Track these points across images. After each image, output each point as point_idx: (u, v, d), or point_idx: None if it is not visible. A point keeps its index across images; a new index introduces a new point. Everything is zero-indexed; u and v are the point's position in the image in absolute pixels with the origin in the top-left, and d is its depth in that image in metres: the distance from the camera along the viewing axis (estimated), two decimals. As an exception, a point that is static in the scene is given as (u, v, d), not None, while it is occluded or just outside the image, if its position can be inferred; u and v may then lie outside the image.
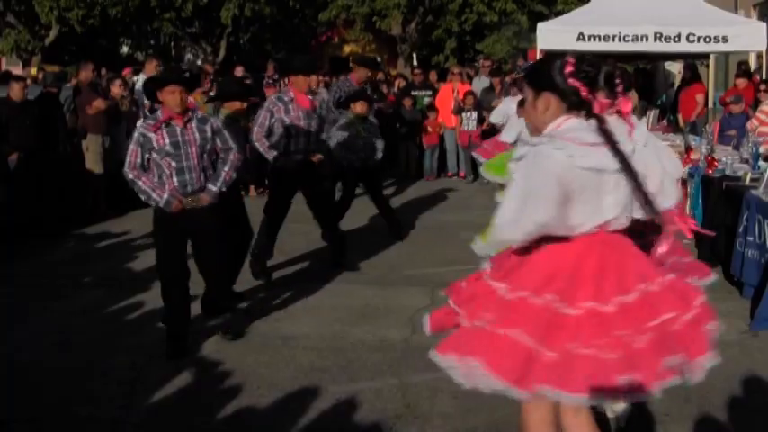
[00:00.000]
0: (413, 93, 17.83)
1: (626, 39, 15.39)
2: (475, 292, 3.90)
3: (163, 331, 7.30)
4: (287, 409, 5.69)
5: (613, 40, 15.45)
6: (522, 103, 11.15)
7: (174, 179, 6.65)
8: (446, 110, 16.96)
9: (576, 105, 3.74)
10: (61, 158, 12.00)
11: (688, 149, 11.03)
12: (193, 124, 6.72)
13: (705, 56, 17.30)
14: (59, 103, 12.55)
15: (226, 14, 28.53)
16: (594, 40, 15.53)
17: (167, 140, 6.58)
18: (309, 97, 9.27)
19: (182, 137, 6.64)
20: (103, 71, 16.62)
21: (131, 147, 6.64)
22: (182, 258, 6.84)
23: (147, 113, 14.06)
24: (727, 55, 18.34)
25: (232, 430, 5.47)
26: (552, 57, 3.88)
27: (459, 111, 16.57)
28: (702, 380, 5.90)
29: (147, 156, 6.61)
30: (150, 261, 9.74)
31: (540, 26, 16.40)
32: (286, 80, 9.53)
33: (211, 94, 14.51)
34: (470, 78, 18.67)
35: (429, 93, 18.05)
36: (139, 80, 14.85)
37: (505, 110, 12.18)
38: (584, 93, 3.72)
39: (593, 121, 3.71)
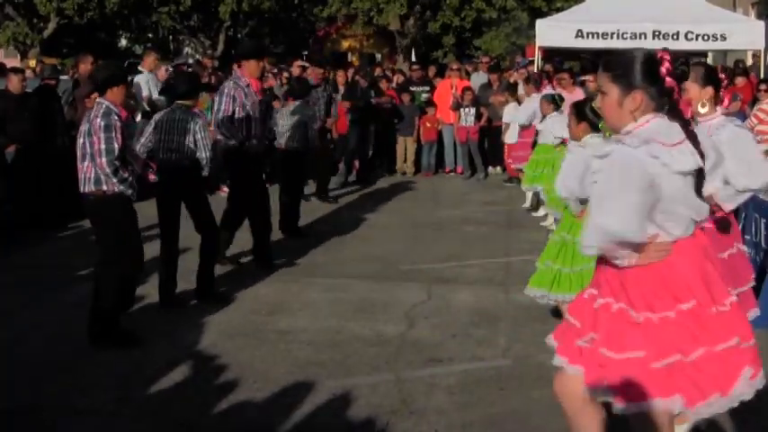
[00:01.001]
0: (411, 88, 17.82)
1: (624, 36, 15.42)
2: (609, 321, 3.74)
3: (158, 324, 7.34)
4: (283, 404, 5.70)
5: (612, 37, 15.48)
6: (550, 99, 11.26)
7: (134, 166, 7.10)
8: (444, 106, 16.95)
9: (664, 106, 3.61)
10: (59, 151, 11.97)
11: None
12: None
13: (703, 54, 17.30)
14: (58, 96, 12.53)
15: (224, 9, 28.53)
16: (593, 37, 15.58)
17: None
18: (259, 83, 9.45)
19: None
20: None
21: (113, 135, 6.68)
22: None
23: (146, 107, 14.08)
24: (725, 53, 18.36)
25: (228, 424, 5.47)
26: (641, 52, 3.69)
27: (457, 107, 16.56)
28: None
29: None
30: (147, 254, 9.75)
31: (539, 23, 16.44)
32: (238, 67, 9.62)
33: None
34: (468, 74, 18.66)
35: (427, 89, 18.04)
36: (138, 74, 14.81)
37: (533, 108, 12.25)
38: (677, 93, 3.62)
39: (676, 123, 3.60)
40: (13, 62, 23.27)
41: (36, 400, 5.79)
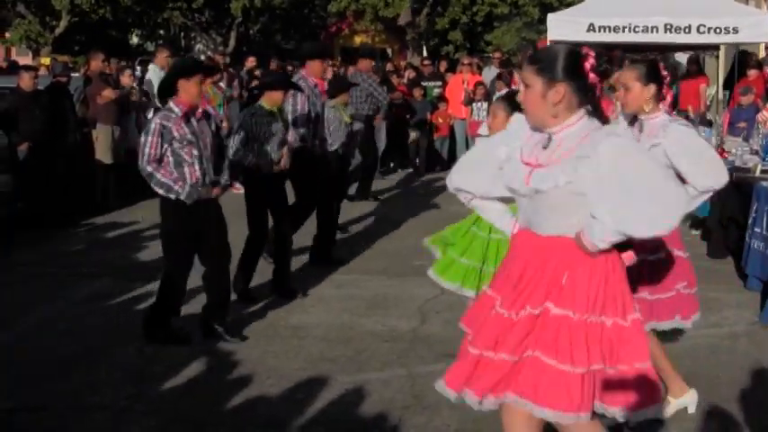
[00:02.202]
0: (423, 84, 17.79)
1: (636, 30, 15.34)
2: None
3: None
4: (296, 399, 5.70)
5: (623, 30, 15.40)
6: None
7: (197, 168, 6.65)
8: (456, 101, 16.92)
9: (588, 101, 3.61)
10: (71, 148, 12.01)
11: (697, 141, 10.99)
12: (203, 116, 6.74)
13: (715, 47, 17.24)
14: (69, 93, 12.56)
15: (236, 5, 28.53)
16: (605, 31, 15.49)
17: (187, 130, 6.57)
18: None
19: (198, 127, 6.63)
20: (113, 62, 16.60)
21: (150, 138, 6.50)
22: (194, 250, 6.84)
23: (159, 104, 14.08)
24: (737, 46, 18.26)
25: (241, 420, 5.47)
26: (565, 46, 3.70)
27: (469, 102, 16.53)
28: (711, 371, 5.92)
29: (165, 147, 6.55)
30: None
31: (551, 17, 16.36)
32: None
33: (221, 83, 14.55)
34: (480, 69, 18.62)
35: (439, 84, 18.02)
36: (150, 70, 14.84)
37: None
38: (599, 90, 3.60)
39: (596, 120, 3.61)
40: (25, 60, 23.38)
41: (46, 398, 5.79)
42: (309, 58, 9.09)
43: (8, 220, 11.00)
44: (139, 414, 5.56)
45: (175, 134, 6.50)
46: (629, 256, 3.72)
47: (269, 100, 7.93)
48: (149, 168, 6.52)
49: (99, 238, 10.89)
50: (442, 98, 17.38)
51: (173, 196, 6.56)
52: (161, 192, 6.59)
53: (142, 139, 6.59)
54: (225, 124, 14.13)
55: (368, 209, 12.57)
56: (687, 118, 14.50)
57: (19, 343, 6.92)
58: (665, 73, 5.19)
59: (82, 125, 12.58)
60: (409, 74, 19.33)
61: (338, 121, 10.64)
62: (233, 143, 7.95)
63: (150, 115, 13.68)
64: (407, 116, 16.89)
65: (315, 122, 8.93)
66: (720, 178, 5.00)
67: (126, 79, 13.40)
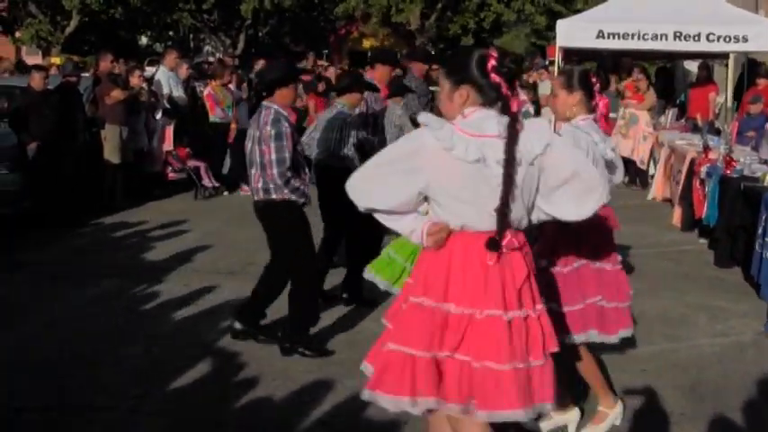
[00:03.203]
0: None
1: (645, 37, 15.33)
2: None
3: (177, 321, 7.36)
4: (302, 402, 5.71)
5: (633, 38, 15.39)
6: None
7: (305, 170, 6.63)
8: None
9: (494, 101, 3.69)
10: (79, 148, 12.04)
11: (706, 149, 11.00)
12: None
13: (725, 55, 17.19)
14: (79, 93, 12.59)
15: (246, 7, 28.56)
16: (614, 37, 15.49)
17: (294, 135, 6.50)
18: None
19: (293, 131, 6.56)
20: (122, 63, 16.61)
21: (285, 143, 6.27)
22: None
23: (167, 105, 14.10)
24: (746, 54, 18.23)
25: (246, 421, 5.48)
26: (472, 48, 3.82)
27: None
28: (718, 379, 5.92)
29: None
30: (166, 251, 9.82)
31: (560, 23, 16.35)
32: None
33: (231, 85, 14.57)
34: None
35: (447, 88, 17.99)
36: (159, 71, 14.87)
37: None
38: (504, 89, 3.66)
39: (505, 118, 3.66)
40: (35, 59, 23.43)
41: (53, 398, 5.79)
42: (380, 63, 9.05)
43: (16, 218, 11.03)
44: (146, 415, 5.56)
45: (294, 137, 6.43)
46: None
47: (350, 101, 7.87)
48: (289, 174, 6.35)
49: (106, 239, 10.90)
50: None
51: (302, 200, 6.50)
52: (293, 197, 6.44)
53: (273, 145, 6.27)
54: (233, 125, 14.17)
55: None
56: (695, 126, 14.55)
57: (26, 343, 6.92)
58: (593, 80, 5.15)
59: (91, 125, 12.61)
60: (418, 78, 19.25)
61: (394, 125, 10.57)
62: (315, 144, 7.83)
63: (159, 116, 13.72)
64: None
65: (374, 126, 8.85)
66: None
67: (135, 80, 13.43)
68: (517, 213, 3.67)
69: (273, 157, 6.26)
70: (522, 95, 7.70)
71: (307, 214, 6.70)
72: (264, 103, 6.49)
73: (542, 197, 3.75)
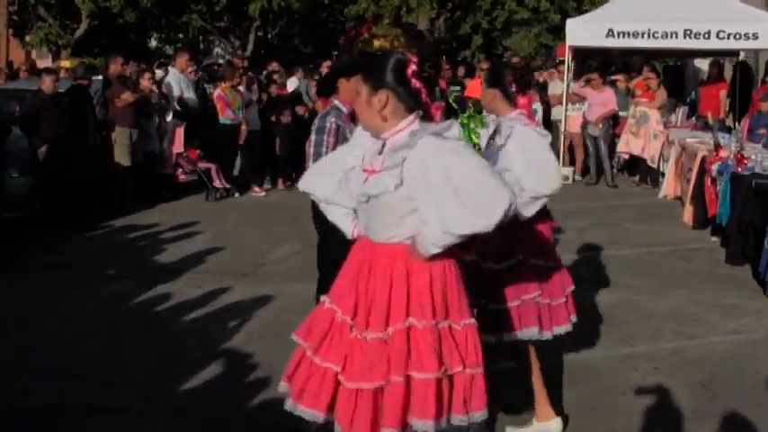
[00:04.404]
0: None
1: (655, 35, 15.33)
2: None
3: (189, 322, 7.38)
4: (313, 402, 5.69)
5: (643, 36, 15.40)
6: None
7: None
8: (474, 105, 16.91)
9: (415, 107, 3.64)
10: (90, 151, 12.07)
11: (717, 147, 10.98)
12: None
13: (735, 53, 17.19)
14: (90, 96, 12.62)
15: (254, 7, 28.58)
16: (624, 36, 15.49)
17: (354, 128, 6.36)
18: None
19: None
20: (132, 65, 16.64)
21: (326, 138, 6.12)
22: None
23: (177, 107, 14.13)
24: (756, 52, 18.20)
25: (258, 422, 5.49)
26: (390, 54, 3.74)
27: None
28: (731, 376, 5.91)
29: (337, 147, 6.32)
30: (178, 253, 9.84)
31: (570, 23, 16.36)
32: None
33: (240, 87, 14.58)
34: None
35: (458, 88, 18.03)
36: (170, 73, 14.90)
37: None
38: (424, 95, 3.63)
39: (429, 124, 3.63)
40: (45, 63, 23.48)
41: (65, 399, 5.82)
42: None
43: (28, 221, 11.07)
44: (156, 416, 5.57)
45: (348, 134, 6.15)
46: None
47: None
48: None
49: (117, 240, 10.93)
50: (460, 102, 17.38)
51: None
52: None
53: (313, 137, 6.21)
54: (244, 127, 14.19)
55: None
56: (706, 124, 14.52)
57: (38, 344, 6.94)
58: (509, 78, 5.13)
59: (101, 127, 12.64)
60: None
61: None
62: None
63: (170, 118, 13.75)
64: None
65: None
66: (551, 185, 4.90)
67: (145, 82, 13.45)
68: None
69: (311, 150, 6.17)
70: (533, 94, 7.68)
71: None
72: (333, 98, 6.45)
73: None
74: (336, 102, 6.34)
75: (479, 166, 3.51)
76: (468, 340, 3.61)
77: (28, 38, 29.31)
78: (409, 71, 3.58)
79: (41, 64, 22.74)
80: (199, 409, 5.66)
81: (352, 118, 6.25)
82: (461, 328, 3.61)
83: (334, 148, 5.95)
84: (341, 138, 6.07)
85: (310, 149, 6.17)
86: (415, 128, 3.60)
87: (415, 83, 3.59)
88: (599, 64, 17.12)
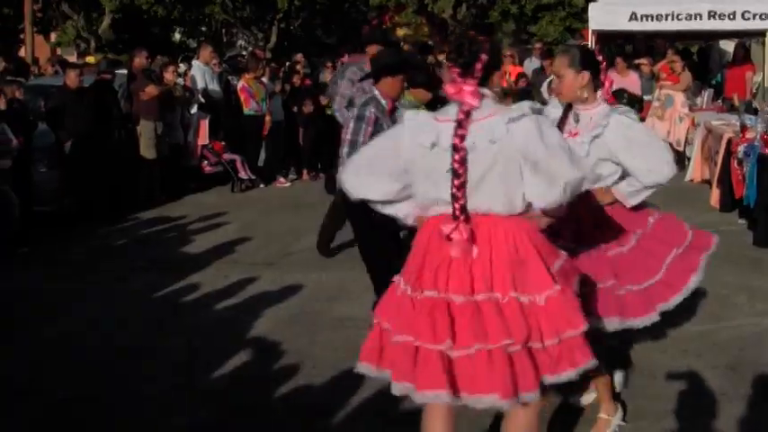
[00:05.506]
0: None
1: (679, 17, 15.21)
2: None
3: (217, 312, 7.42)
4: (342, 388, 5.71)
5: (666, 19, 15.28)
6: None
7: None
8: (498, 92, 16.86)
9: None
10: (115, 144, 12.15)
11: (743, 129, 10.91)
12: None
13: (761, 33, 17.01)
14: (114, 90, 12.69)
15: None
16: (647, 19, 15.39)
17: (391, 124, 6.12)
18: None
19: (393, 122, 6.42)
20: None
21: (364, 127, 6.16)
22: None
23: (201, 98, 14.18)
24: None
25: (287, 409, 5.52)
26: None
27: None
28: (759, 359, 5.89)
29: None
30: (205, 244, 9.90)
31: (593, 6, 16.25)
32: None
33: (263, 78, 14.61)
34: (521, 61, 18.57)
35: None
36: (194, 66, 14.94)
37: None
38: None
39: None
40: (70, 58, 23.58)
41: (96, 389, 5.87)
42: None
43: (57, 216, 11.16)
44: (186, 404, 5.62)
45: (385, 126, 6.12)
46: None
47: (417, 97, 7.71)
48: None
49: (145, 233, 10.99)
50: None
51: None
52: None
53: (352, 125, 6.24)
54: (267, 118, 14.22)
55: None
56: (732, 107, 14.42)
57: (69, 336, 7.00)
58: (600, 58, 4.94)
59: (126, 121, 12.71)
60: (451, 66, 19.27)
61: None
62: None
63: (194, 110, 13.81)
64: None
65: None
66: (666, 173, 4.80)
67: (169, 75, 13.50)
68: (483, 198, 3.65)
69: (348, 137, 6.21)
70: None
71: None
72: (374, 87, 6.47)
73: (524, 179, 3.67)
74: (377, 93, 6.36)
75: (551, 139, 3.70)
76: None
77: (54, 36, 29.48)
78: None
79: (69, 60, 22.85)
80: (228, 397, 5.70)
81: (392, 111, 6.29)
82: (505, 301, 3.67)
83: (371, 139, 5.91)
84: (377, 130, 6.07)
85: (347, 136, 6.22)
86: None
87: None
88: (618, 49, 17.02)
